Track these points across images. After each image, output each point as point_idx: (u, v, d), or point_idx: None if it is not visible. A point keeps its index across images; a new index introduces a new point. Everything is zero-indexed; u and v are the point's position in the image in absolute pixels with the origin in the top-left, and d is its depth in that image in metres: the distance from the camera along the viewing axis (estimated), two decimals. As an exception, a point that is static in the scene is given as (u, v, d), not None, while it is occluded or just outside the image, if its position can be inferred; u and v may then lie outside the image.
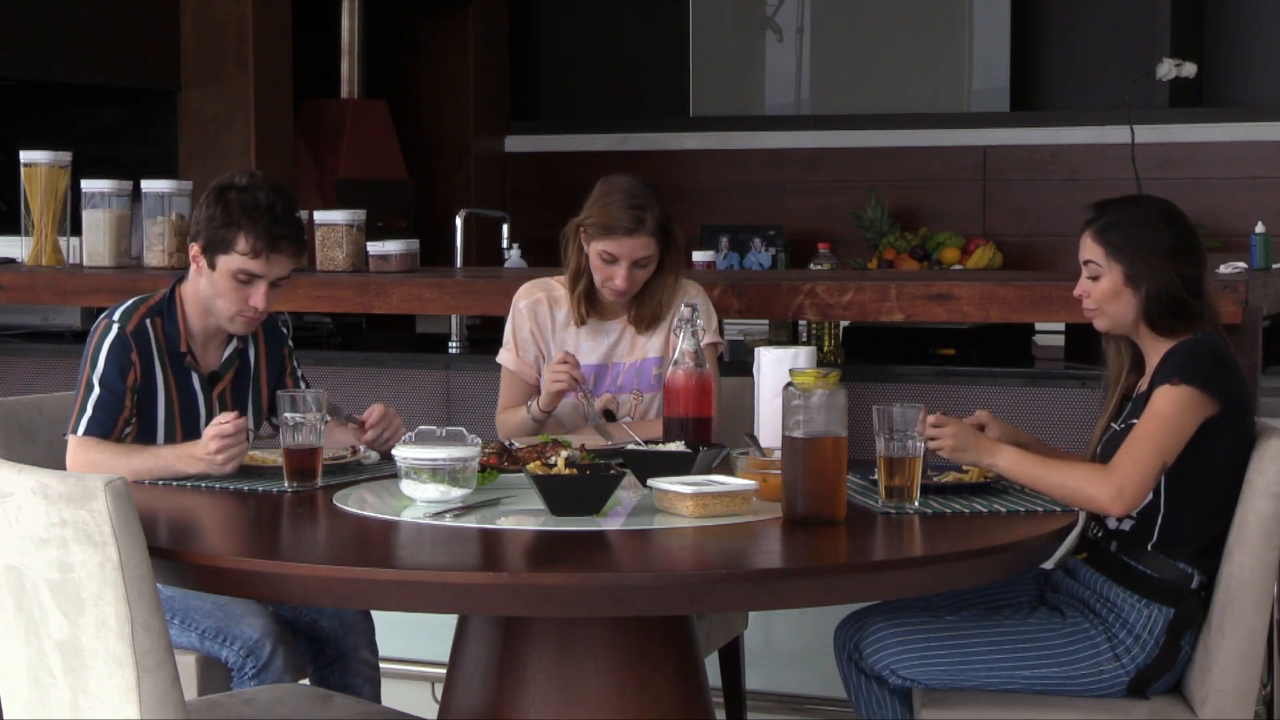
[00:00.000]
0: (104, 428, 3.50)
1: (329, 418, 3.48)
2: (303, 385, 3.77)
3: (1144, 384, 3.29)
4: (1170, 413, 3.14)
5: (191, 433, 3.57)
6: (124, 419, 3.53)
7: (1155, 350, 3.27)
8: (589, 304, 3.99)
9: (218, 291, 3.54)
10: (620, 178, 3.93)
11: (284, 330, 3.83)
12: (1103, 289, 3.28)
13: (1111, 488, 3.12)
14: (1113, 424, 3.32)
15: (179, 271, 3.66)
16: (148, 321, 3.58)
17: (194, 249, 3.57)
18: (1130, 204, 3.32)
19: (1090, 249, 3.29)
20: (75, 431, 3.51)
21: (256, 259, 3.50)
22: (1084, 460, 3.30)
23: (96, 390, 3.52)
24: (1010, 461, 3.20)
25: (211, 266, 3.54)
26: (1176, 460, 3.17)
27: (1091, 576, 3.27)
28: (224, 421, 3.37)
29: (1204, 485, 3.21)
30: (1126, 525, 3.25)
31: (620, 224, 3.84)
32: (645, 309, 3.97)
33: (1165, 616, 3.19)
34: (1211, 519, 3.21)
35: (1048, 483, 3.17)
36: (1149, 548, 3.22)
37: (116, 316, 3.58)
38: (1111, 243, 3.26)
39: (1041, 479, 3.18)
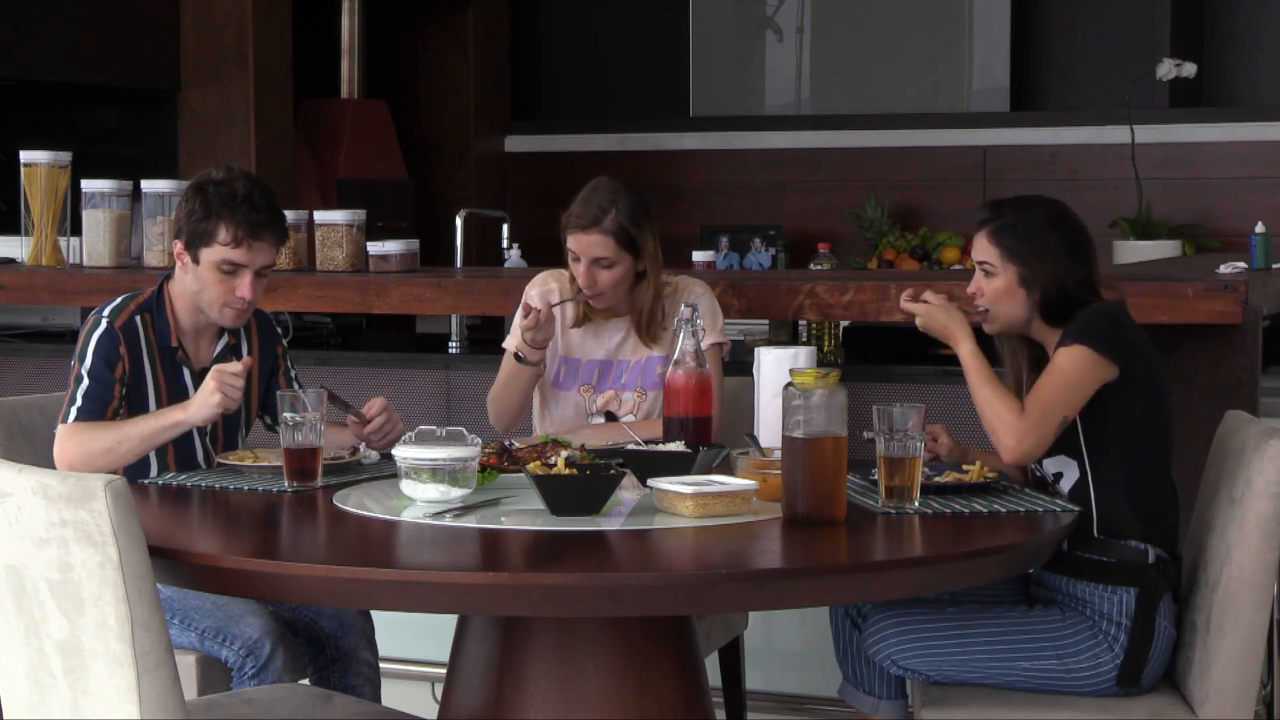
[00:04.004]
0: (93, 415, 3.50)
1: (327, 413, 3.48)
2: (296, 386, 3.76)
3: None
4: (1069, 368, 3.21)
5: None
6: (113, 408, 3.52)
7: (1053, 339, 3.32)
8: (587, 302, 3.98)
9: (204, 285, 3.55)
10: (604, 178, 3.92)
11: (279, 330, 3.83)
12: (996, 288, 3.34)
13: (1015, 437, 3.21)
14: None
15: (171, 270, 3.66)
16: (137, 318, 3.59)
17: (177, 246, 3.58)
18: (1024, 206, 3.38)
19: (985, 250, 3.35)
20: (65, 420, 3.52)
21: (238, 248, 3.51)
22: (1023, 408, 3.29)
23: (85, 381, 3.52)
24: (967, 354, 3.32)
25: (196, 261, 3.54)
26: (1092, 438, 3.23)
27: (1052, 579, 3.29)
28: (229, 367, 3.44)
29: (1124, 456, 3.25)
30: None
31: (578, 219, 3.85)
32: (642, 321, 3.95)
33: (1132, 596, 3.20)
34: (1145, 489, 3.25)
35: (980, 396, 3.28)
36: (1095, 535, 3.25)
37: (106, 313, 3.59)
38: (1006, 245, 3.33)
39: (978, 390, 3.28)
